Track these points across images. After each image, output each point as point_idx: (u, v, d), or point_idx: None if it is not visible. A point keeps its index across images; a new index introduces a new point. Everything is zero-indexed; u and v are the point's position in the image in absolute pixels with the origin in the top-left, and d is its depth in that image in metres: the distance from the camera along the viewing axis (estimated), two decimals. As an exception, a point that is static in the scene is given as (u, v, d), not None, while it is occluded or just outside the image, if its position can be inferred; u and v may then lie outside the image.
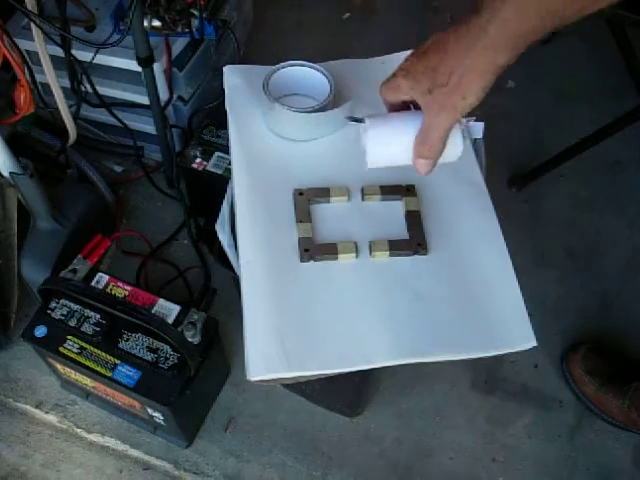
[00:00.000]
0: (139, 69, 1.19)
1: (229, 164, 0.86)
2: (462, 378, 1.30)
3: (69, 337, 1.05)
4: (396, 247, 0.74)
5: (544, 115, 1.70)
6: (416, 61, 0.56)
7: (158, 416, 1.10)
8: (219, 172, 1.30)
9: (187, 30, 1.28)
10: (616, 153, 1.59)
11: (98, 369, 1.03)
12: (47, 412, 1.26)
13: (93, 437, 1.23)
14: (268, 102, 0.82)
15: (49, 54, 1.12)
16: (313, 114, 0.81)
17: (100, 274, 1.09)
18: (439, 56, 0.54)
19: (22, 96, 1.02)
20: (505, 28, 0.49)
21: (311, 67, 0.85)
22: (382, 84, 0.61)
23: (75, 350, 1.04)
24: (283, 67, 0.85)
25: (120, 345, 1.03)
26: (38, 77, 1.17)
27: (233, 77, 0.90)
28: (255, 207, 0.77)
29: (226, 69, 0.92)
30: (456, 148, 0.60)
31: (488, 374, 1.31)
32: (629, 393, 1.18)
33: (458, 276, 0.73)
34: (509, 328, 0.70)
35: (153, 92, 1.23)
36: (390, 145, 0.62)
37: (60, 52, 1.17)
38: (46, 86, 1.20)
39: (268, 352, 0.67)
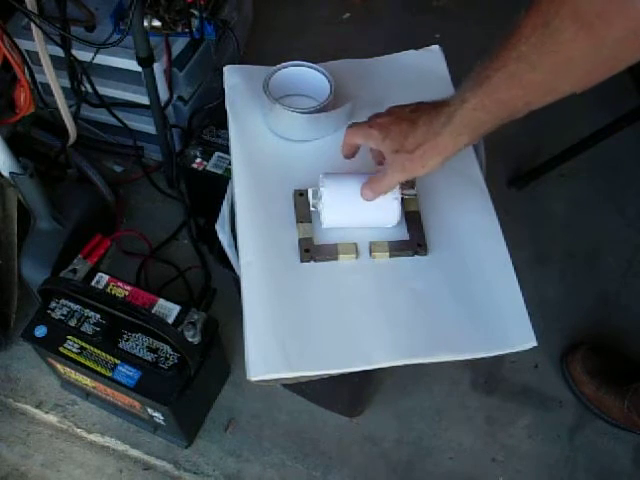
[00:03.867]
0: (139, 69, 1.19)
1: (229, 164, 0.86)
2: (462, 378, 1.30)
3: (69, 337, 1.05)
4: (396, 248, 0.74)
5: (544, 115, 1.70)
6: (392, 121, 0.65)
7: (158, 416, 1.10)
8: (219, 172, 1.30)
9: (187, 30, 1.28)
10: (616, 153, 1.59)
11: (98, 369, 1.03)
12: (47, 412, 1.26)
13: (93, 437, 1.23)
14: (268, 102, 0.81)
15: (49, 54, 1.12)
16: (313, 114, 0.81)
17: (100, 274, 1.09)
18: (412, 127, 0.63)
19: (22, 96, 1.02)
20: (469, 117, 0.58)
21: (311, 67, 0.85)
22: (351, 126, 0.70)
23: (75, 350, 1.04)
24: (283, 67, 0.85)
25: (120, 345, 1.03)
26: (38, 77, 1.17)
27: (233, 77, 0.90)
28: (255, 207, 0.77)
29: (226, 69, 0.92)
30: (394, 217, 0.73)
31: (488, 374, 1.31)
32: (629, 394, 1.18)
33: (458, 276, 0.73)
34: (509, 328, 0.70)
35: (153, 92, 1.23)
36: (344, 211, 0.73)
37: (60, 52, 1.17)
38: (46, 86, 1.20)
39: (268, 352, 0.67)
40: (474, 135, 0.60)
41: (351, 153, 0.74)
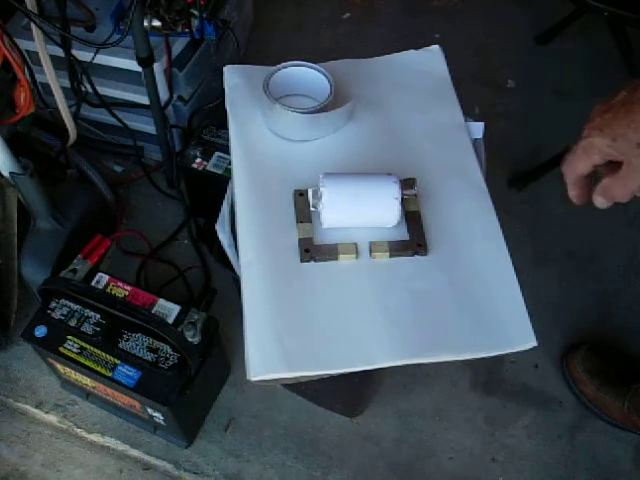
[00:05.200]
0: (139, 69, 1.19)
1: (229, 164, 0.86)
2: (462, 378, 1.30)
3: (69, 337, 1.05)
4: (396, 248, 0.74)
5: (544, 115, 1.70)
6: (612, 116, 0.53)
7: (158, 416, 1.10)
8: (219, 172, 1.30)
9: (187, 30, 1.28)
10: (616, 153, 1.59)
11: (98, 369, 1.03)
12: (47, 412, 1.26)
13: (93, 437, 1.23)
14: (268, 102, 0.82)
15: (49, 54, 1.12)
16: (313, 114, 0.81)
17: (100, 274, 1.09)
18: None
19: (22, 96, 1.02)
20: None
21: (311, 67, 0.85)
22: (563, 162, 0.58)
23: (75, 350, 1.04)
24: (283, 67, 0.85)
25: (120, 345, 1.03)
26: (38, 77, 1.17)
27: (233, 77, 0.90)
28: (255, 207, 0.77)
29: (226, 69, 0.92)
30: (394, 217, 0.73)
31: (488, 374, 1.31)
32: (629, 394, 1.18)
33: (458, 276, 0.73)
34: (509, 328, 0.70)
35: (153, 92, 1.23)
36: (344, 211, 0.73)
37: (60, 52, 1.17)
38: (46, 86, 1.19)
39: (268, 352, 0.67)
40: None
41: (582, 191, 0.60)
